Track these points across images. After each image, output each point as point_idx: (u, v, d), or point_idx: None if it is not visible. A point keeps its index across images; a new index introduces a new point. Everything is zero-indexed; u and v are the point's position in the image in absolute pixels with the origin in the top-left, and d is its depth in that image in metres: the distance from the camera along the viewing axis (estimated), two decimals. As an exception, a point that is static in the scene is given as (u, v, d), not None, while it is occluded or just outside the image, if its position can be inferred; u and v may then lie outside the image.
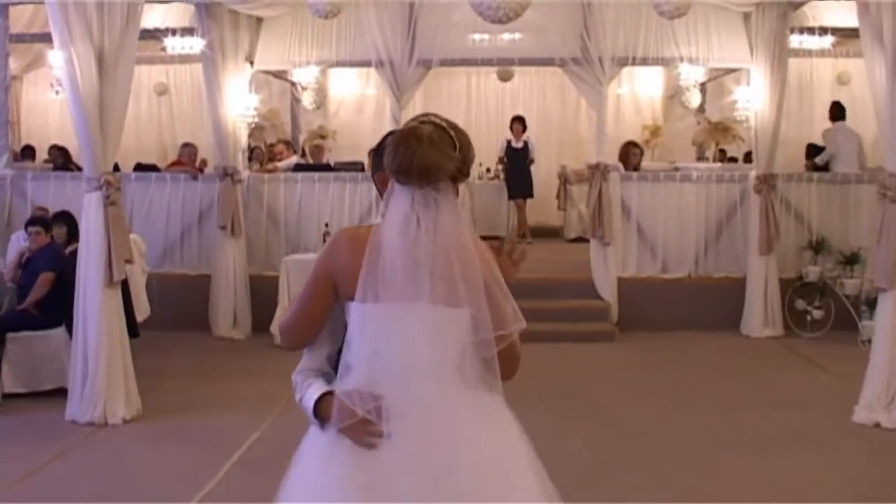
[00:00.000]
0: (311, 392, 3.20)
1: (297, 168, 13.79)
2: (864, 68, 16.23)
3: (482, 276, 3.00)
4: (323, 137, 16.70)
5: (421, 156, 2.96)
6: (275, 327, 11.66)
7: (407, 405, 2.99)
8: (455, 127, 3.11)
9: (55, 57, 10.52)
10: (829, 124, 16.29)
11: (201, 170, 13.89)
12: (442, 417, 3.00)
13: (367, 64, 13.13)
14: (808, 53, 14.75)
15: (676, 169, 14.21)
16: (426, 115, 3.15)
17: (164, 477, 7.17)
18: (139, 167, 13.55)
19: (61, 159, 14.51)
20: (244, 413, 8.81)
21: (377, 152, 3.36)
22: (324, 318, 3.29)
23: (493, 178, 17.88)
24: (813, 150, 14.73)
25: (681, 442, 7.95)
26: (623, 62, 12.77)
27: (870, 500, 6.69)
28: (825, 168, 13.88)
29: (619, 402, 9.19)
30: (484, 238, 3.21)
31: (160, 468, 7.40)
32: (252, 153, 14.59)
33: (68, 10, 8.02)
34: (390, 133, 3.27)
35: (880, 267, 8.41)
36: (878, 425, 8.25)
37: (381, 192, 3.30)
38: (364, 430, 2.99)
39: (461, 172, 3.07)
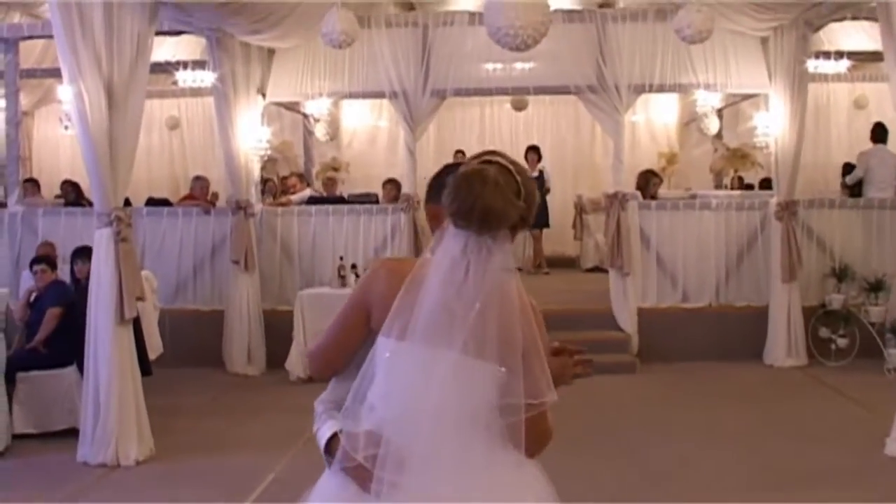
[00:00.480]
0: (325, 429, 3.10)
1: (311, 201, 13.63)
2: (884, 91, 16.40)
3: (522, 338, 2.81)
4: (336, 170, 16.56)
5: (484, 201, 2.75)
6: (290, 363, 11.53)
7: (419, 455, 2.80)
8: (521, 171, 2.87)
9: (64, 91, 10.37)
10: (849, 148, 16.22)
11: (213, 203, 13.74)
12: (455, 474, 2.81)
13: (380, 95, 13.03)
14: (825, 78, 14.60)
15: (694, 196, 14.02)
16: (491, 153, 2.92)
17: (178, 521, 6.98)
18: (151, 202, 13.41)
19: (73, 195, 14.38)
20: (260, 452, 8.61)
21: (434, 183, 3.20)
22: (354, 349, 3.11)
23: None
24: (848, 169, 14.51)
25: (711, 480, 7.72)
26: (640, 89, 12.59)
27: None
28: (857, 189, 13.67)
29: (646, 439, 8.95)
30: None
31: (174, 512, 7.21)
32: (265, 186, 14.45)
33: (77, 43, 7.89)
34: (450, 166, 3.12)
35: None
36: (911, 458, 8.02)
37: (431, 225, 3.16)
38: (364, 476, 2.85)
39: (524, 221, 2.86)
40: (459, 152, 16.83)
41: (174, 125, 17.41)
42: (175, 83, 15.13)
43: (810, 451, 8.45)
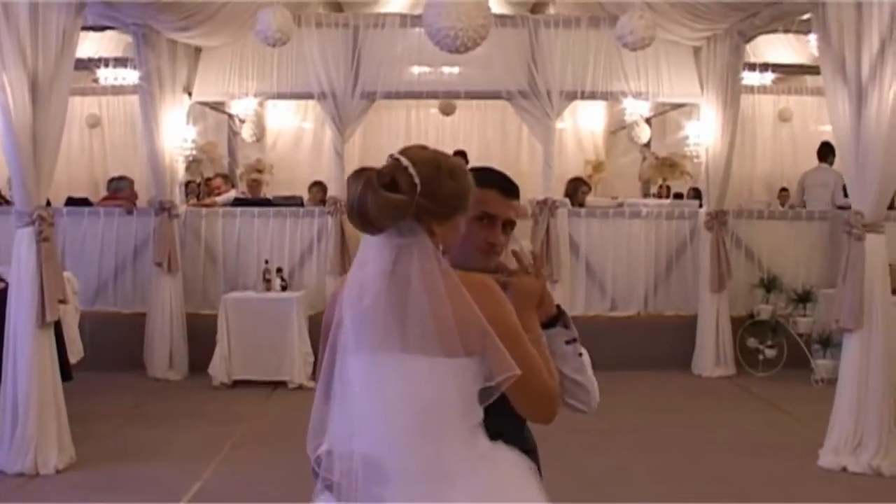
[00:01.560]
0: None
1: (236, 203, 13.36)
2: (808, 104, 16.57)
3: (470, 321, 2.73)
4: (260, 171, 16.23)
5: (358, 201, 2.72)
6: (213, 368, 11.34)
7: (391, 464, 2.77)
8: (422, 162, 2.78)
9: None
10: (772, 160, 16.43)
11: (134, 204, 13.43)
12: (432, 477, 2.76)
13: (308, 96, 12.79)
14: (750, 89, 14.68)
15: (620, 205, 14.00)
16: (406, 148, 2.88)
17: (102, 533, 6.71)
18: (71, 201, 13.04)
19: (-12, 194, 13.92)
20: (185, 460, 8.36)
21: None
22: None
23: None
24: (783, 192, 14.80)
25: (648, 490, 7.64)
26: (572, 96, 12.55)
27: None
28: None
29: (576, 448, 8.82)
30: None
31: (98, 523, 6.94)
32: (188, 187, 14.16)
33: (0, 34, 7.57)
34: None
35: (846, 306, 8.21)
36: (845, 469, 8.04)
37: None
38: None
39: (427, 212, 2.77)
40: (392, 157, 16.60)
41: (94, 123, 16.91)
42: (96, 80, 14.78)
43: (745, 461, 8.43)
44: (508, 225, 3.25)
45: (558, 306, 3.30)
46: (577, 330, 3.32)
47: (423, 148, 2.90)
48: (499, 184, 3.25)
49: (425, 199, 2.75)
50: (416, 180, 2.74)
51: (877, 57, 7.79)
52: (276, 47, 11.04)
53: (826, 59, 8.35)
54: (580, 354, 3.31)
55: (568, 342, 3.27)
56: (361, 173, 2.76)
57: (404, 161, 2.77)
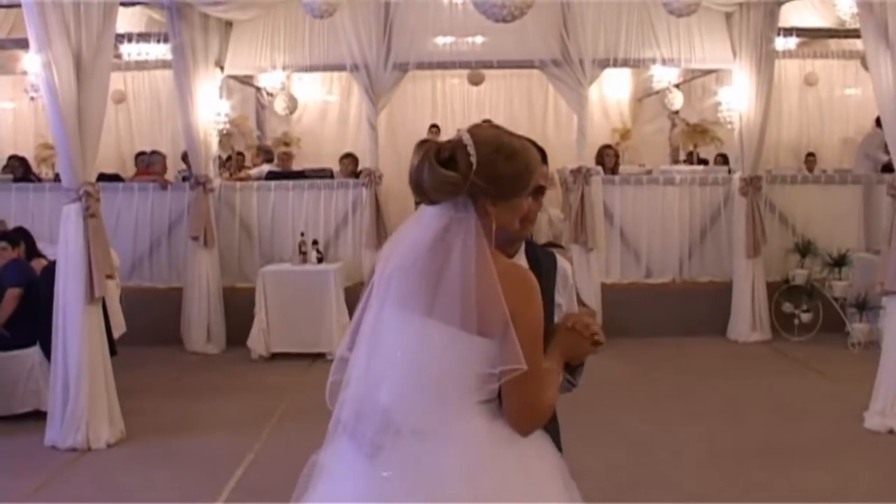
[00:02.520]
0: None
1: (270, 176, 13.36)
2: (834, 67, 16.52)
3: (493, 307, 2.77)
4: (287, 144, 16.28)
5: (416, 174, 2.83)
6: (251, 341, 11.39)
7: (398, 418, 2.85)
8: (484, 142, 2.82)
9: (30, 62, 10.07)
10: (799, 125, 16.39)
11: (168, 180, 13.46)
12: (435, 441, 2.83)
13: (341, 68, 12.78)
14: (776, 54, 14.61)
15: (649, 172, 13.98)
16: (475, 126, 2.94)
17: (159, 507, 6.74)
18: (102, 177, 13.05)
19: (21, 169, 13.94)
20: (234, 433, 8.43)
21: None
22: None
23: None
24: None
25: (698, 454, 7.67)
26: (604, 64, 12.51)
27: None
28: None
29: (626, 414, 8.88)
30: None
31: (154, 497, 6.97)
32: (224, 161, 14.19)
33: (46, 9, 7.57)
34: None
35: (892, 270, 8.17)
36: (891, 431, 8.10)
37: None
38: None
39: (481, 191, 2.81)
40: (434, 126, 16.71)
41: (120, 99, 16.92)
42: (119, 56, 14.76)
43: (791, 425, 8.48)
44: (541, 191, 3.24)
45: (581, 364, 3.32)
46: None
47: (494, 127, 2.94)
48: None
49: (480, 179, 2.78)
50: (473, 160, 2.78)
51: (921, 19, 7.76)
52: (324, 18, 10.96)
53: (868, 24, 8.29)
54: (569, 390, 3.38)
55: (570, 382, 3.33)
56: (424, 144, 2.84)
57: (466, 139, 2.81)
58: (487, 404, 2.87)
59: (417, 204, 2.93)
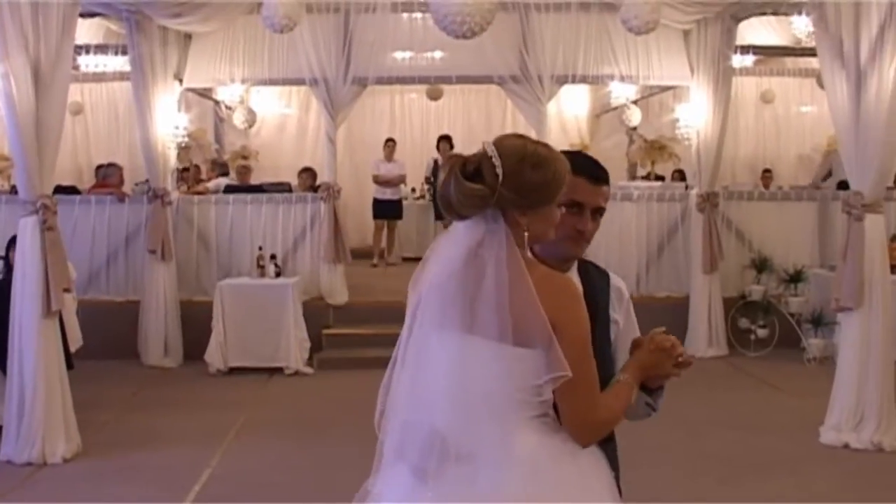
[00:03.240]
0: None
1: (228, 189, 13.32)
2: (790, 85, 16.70)
3: (535, 318, 2.74)
4: (246, 158, 16.24)
5: (442, 189, 2.82)
6: (209, 355, 11.35)
7: (448, 441, 2.79)
8: (509, 153, 2.79)
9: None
10: (755, 142, 16.54)
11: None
12: (488, 460, 2.77)
13: (300, 82, 12.80)
14: (733, 71, 14.77)
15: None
16: (502, 136, 2.90)
17: (118, 522, 6.69)
18: (59, 189, 12.94)
19: (-24, 182, 13.84)
20: (192, 447, 8.38)
21: None
22: None
23: (419, 199, 17.60)
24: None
25: (656, 467, 7.69)
26: (563, 80, 12.59)
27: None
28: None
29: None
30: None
31: (111, 512, 6.92)
32: (180, 174, 14.13)
33: (3, 18, 7.53)
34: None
35: (846, 286, 8.27)
36: (847, 446, 8.18)
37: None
38: None
39: (509, 202, 2.79)
40: (390, 140, 16.67)
41: (77, 111, 16.83)
42: (76, 68, 14.67)
43: (747, 439, 8.55)
44: (598, 212, 3.22)
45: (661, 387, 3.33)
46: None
47: (519, 137, 2.91)
48: (588, 170, 3.19)
49: (508, 189, 2.76)
50: (499, 171, 2.75)
51: (876, 40, 7.86)
52: (284, 33, 10.95)
53: (823, 43, 8.39)
54: (649, 415, 3.39)
55: (649, 405, 3.33)
56: (451, 160, 2.82)
57: (490, 150, 2.78)
58: (542, 419, 2.84)
59: (438, 218, 2.91)
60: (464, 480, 2.76)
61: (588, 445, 2.90)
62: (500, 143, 2.83)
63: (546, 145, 2.92)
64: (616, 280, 3.43)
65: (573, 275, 3.26)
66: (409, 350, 2.89)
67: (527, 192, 2.80)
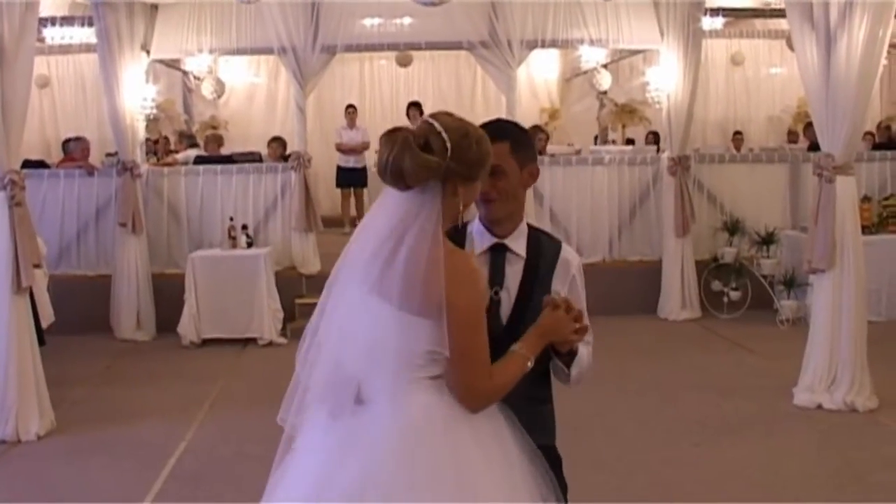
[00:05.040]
0: None
1: (198, 160, 13.23)
2: (760, 47, 16.72)
3: (434, 292, 2.90)
4: (215, 128, 16.14)
5: (391, 159, 2.89)
6: (182, 327, 11.31)
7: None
8: (453, 128, 2.95)
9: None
10: (726, 104, 16.54)
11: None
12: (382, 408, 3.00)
13: (268, 51, 12.69)
14: (703, 34, 14.76)
15: (578, 152, 14.06)
16: (436, 114, 3.04)
17: (93, 498, 6.61)
18: (27, 164, 12.83)
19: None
20: (166, 421, 8.35)
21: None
22: None
23: (388, 166, 17.48)
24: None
25: (631, 432, 7.76)
26: (532, 45, 12.55)
27: (834, 485, 6.59)
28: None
29: (558, 394, 8.89)
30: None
31: (87, 488, 6.85)
32: (151, 146, 14.04)
33: (-34, -6, 7.43)
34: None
35: (818, 248, 8.30)
36: (820, 407, 8.23)
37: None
38: None
39: (455, 174, 2.94)
40: (350, 106, 16.57)
41: (44, 84, 16.65)
42: (42, 40, 14.52)
43: (721, 401, 8.60)
44: (494, 170, 3.23)
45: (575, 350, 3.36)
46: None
47: (450, 115, 3.04)
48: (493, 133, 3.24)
49: (455, 162, 2.92)
50: (449, 145, 2.91)
51: (845, 3, 7.84)
52: (251, 3, 10.86)
53: (793, 6, 8.38)
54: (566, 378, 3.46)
55: (565, 374, 3.42)
56: (397, 133, 2.93)
57: (437, 126, 2.93)
58: (436, 380, 2.98)
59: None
60: (355, 426, 2.97)
61: (476, 411, 3.00)
62: (440, 119, 2.98)
63: (474, 124, 3.07)
64: (567, 252, 3.49)
65: (520, 241, 3.39)
66: (329, 301, 3.06)
67: (471, 165, 2.97)
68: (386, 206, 2.99)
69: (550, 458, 3.25)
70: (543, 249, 3.41)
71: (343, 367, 3.02)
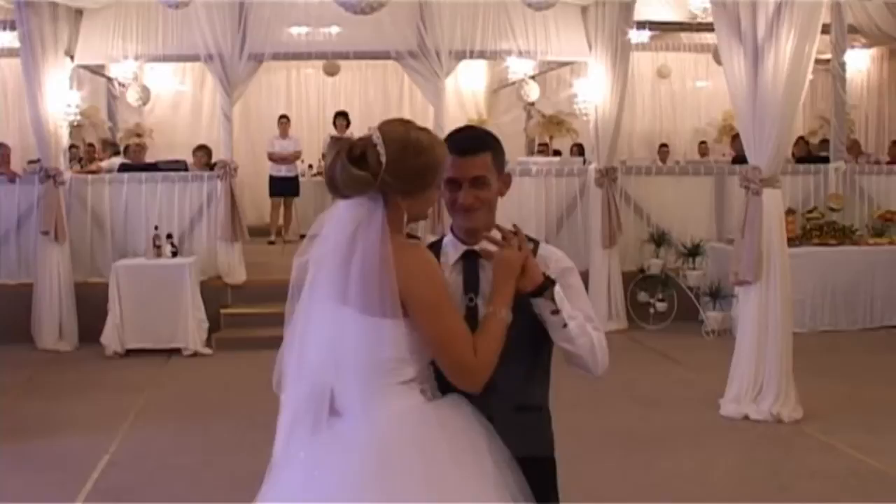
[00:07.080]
0: None
1: (123, 168, 13.06)
2: (686, 60, 16.89)
3: (390, 292, 2.94)
4: (140, 136, 15.96)
5: (328, 171, 2.98)
6: (106, 337, 11.15)
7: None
8: (394, 140, 2.96)
9: None
10: (652, 117, 16.70)
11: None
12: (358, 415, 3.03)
13: (195, 58, 12.58)
14: (630, 46, 14.90)
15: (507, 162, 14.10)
16: (385, 122, 3.08)
17: (13, 513, 6.51)
18: (-54, 171, 12.62)
19: None
20: (89, 433, 8.19)
21: None
22: None
23: (316, 175, 17.44)
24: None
25: (559, 444, 7.65)
26: (461, 55, 12.59)
27: (761, 495, 6.66)
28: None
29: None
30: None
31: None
32: (71, 153, 13.81)
33: None
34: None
35: (745, 260, 8.38)
36: (746, 417, 8.31)
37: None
38: None
39: (389, 186, 2.96)
40: (284, 117, 16.51)
41: (-37, 89, 16.38)
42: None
43: (648, 413, 8.67)
44: (475, 182, 3.24)
45: (548, 277, 3.26)
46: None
47: (403, 123, 3.07)
48: (455, 146, 3.23)
49: (390, 176, 2.93)
50: (383, 159, 2.92)
51: (773, 17, 7.93)
52: (179, 9, 10.75)
53: (721, 19, 8.47)
54: (565, 325, 3.26)
55: (553, 312, 3.25)
56: (337, 143, 2.98)
57: (376, 138, 2.95)
58: (408, 384, 3.02)
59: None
60: (333, 436, 3.00)
61: (479, 388, 3.02)
62: (384, 129, 2.99)
63: (427, 131, 3.08)
64: (545, 250, 3.51)
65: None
66: (298, 319, 3.07)
67: (408, 178, 2.98)
68: (335, 214, 3.02)
69: (544, 470, 3.35)
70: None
71: (318, 382, 3.04)
